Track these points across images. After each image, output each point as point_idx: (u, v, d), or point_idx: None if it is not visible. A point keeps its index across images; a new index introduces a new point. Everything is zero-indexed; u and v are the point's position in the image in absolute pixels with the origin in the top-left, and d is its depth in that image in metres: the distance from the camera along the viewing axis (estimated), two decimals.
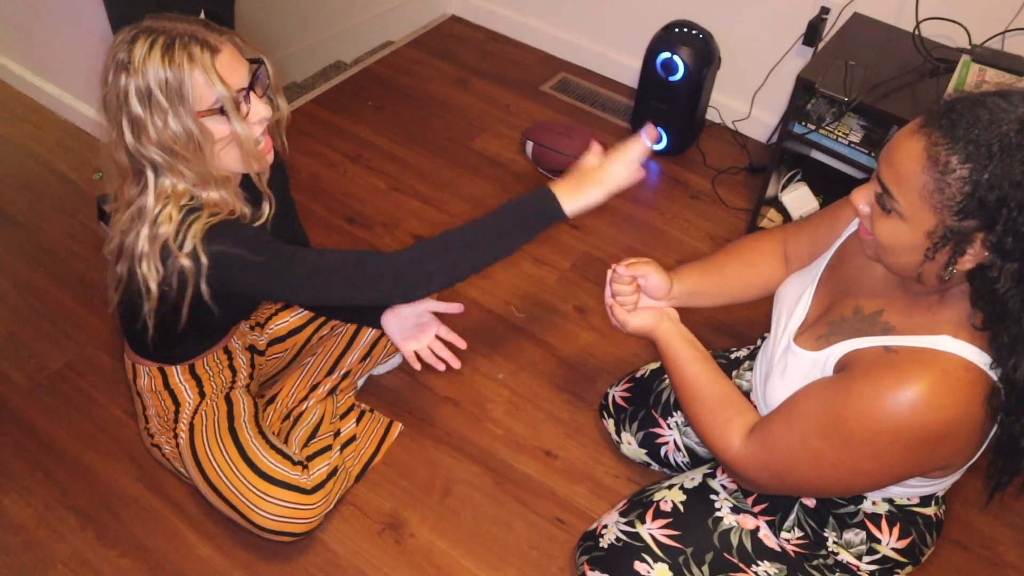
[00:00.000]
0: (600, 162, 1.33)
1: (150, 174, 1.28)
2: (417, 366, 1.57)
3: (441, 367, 1.57)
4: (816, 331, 1.29)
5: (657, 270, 1.48)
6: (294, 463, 1.59)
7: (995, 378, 1.09)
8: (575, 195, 1.31)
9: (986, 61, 2.06)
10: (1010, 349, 1.06)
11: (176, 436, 1.63)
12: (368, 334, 1.81)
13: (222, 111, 1.25)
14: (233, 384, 1.70)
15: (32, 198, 2.38)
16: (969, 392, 1.08)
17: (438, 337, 1.58)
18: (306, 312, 1.82)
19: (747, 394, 1.54)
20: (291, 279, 1.31)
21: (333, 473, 1.65)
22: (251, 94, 1.28)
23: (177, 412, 1.63)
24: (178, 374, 1.61)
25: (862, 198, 1.15)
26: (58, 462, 1.80)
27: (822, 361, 1.24)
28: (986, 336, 1.09)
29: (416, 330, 1.59)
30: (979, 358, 1.09)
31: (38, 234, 2.28)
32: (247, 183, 1.44)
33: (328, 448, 1.69)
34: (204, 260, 1.26)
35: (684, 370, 1.40)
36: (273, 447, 1.60)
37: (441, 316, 1.61)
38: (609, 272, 1.49)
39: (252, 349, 1.77)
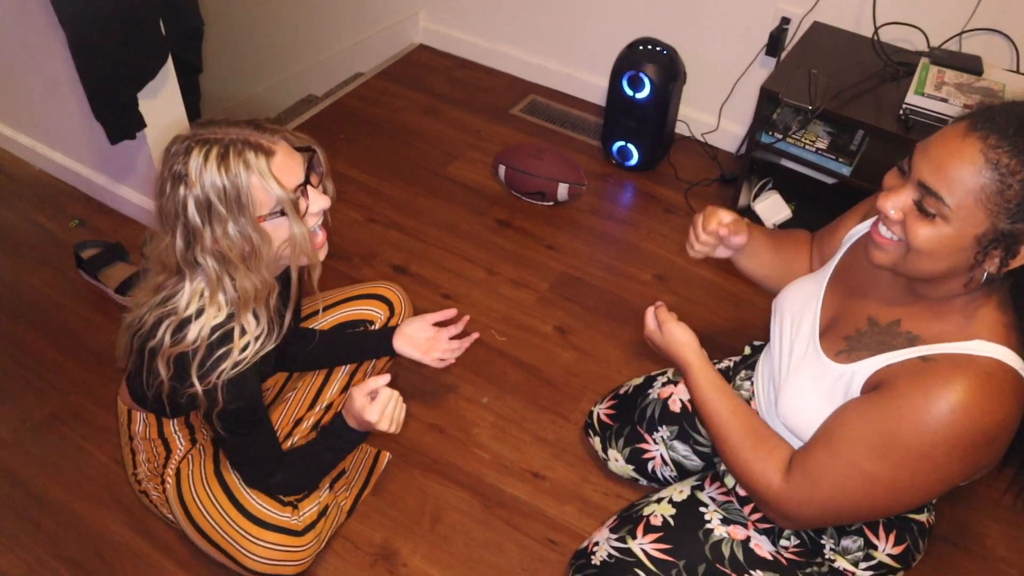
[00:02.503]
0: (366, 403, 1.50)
1: (196, 278, 1.31)
2: (444, 365, 1.80)
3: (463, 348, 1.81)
4: (834, 345, 1.30)
5: (745, 229, 1.50)
6: (284, 504, 1.59)
7: None
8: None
9: (944, 62, 2.10)
10: None
11: (164, 482, 1.63)
12: (345, 366, 1.82)
13: (282, 213, 1.26)
14: None
15: (9, 249, 2.38)
16: (1012, 393, 1.11)
17: (450, 338, 1.80)
18: None
19: (747, 402, 1.54)
20: (230, 445, 1.50)
21: (324, 512, 1.65)
22: (308, 187, 1.30)
23: (167, 459, 1.63)
24: (173, 424, 1.61)
25: (892, 204, 1.13)
26: (46, 512, 1.79)
27: (848, 375, 1.24)
28: (1009, 328, 1.12)
29: (429, 342, 1.78)
30: (1013, 359, 1.11)
31: (17, 285, 2.28)
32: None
33: (317, 501, 1.70)
34: (219, 400, 1.32)
35: (716, 402, 1.37)
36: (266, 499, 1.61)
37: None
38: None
39: None
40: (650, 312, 1.48)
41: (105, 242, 2.27)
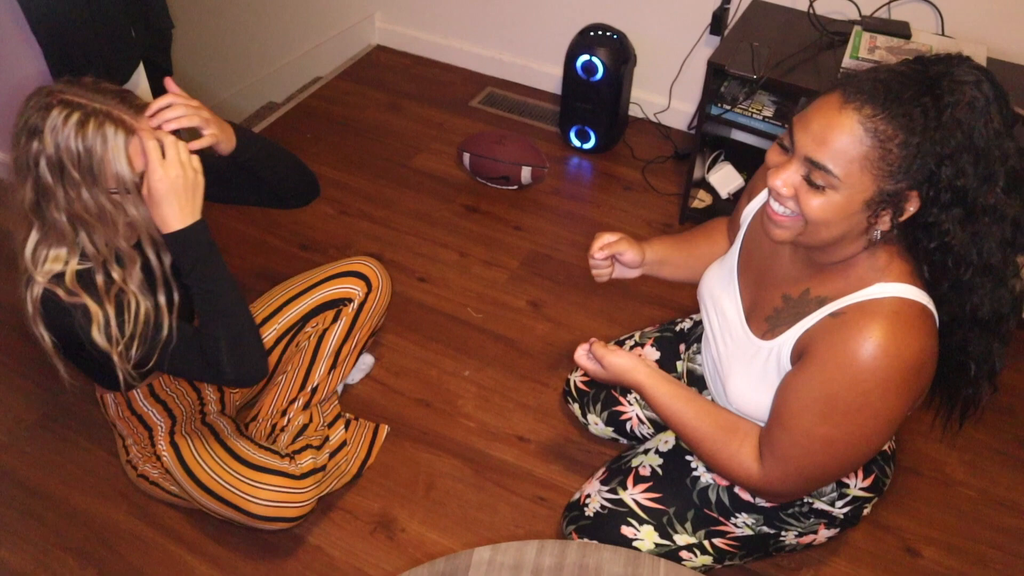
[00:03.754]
0: None
1: (53, 232, 1.32)
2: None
3: None
4: (758, 327, 1.37)
5: (630, 245, 1.58)
6: (282, 456, 1.68)
7: (933, 309, 1.19)
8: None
9: (876, 29, 2.24)
10: (962, 292, 1.16)
11: (159, 458, 1.68)
12: (330, 344, 1.88)
13: (128, 192, 1.30)
14: (203, 408, 1.76)
15: None
16: (921, 321, 1.18)
17: None
18: (272, 335, 1.87)
19: (701, 379, 1.62)
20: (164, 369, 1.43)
21: (320, 469, 1.72)
22: None
23: (151, 435, 1.69)
24: (140, 398, 1.67)
25: (781, 180, 1.17)
26: (49, 507, 1.83)
27: (776, 350, 1.31)
28: (912, 273, 1.19)
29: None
30: (914, 293, 1.18)
31: (1, 295, 2.31)
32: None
33: (313, 447, 1.77)
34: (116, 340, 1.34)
35: (681, 412, 1.39)
36: (259, 445, 1.70)
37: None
38: (582, 350, 1.47)
39: None
40: (582, 357, 1.46)
41: None
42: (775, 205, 1.21)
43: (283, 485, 1.62)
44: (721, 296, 1.47)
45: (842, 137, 1.10)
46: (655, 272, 1.65)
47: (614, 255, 1.59)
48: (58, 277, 1.34)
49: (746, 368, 1.37)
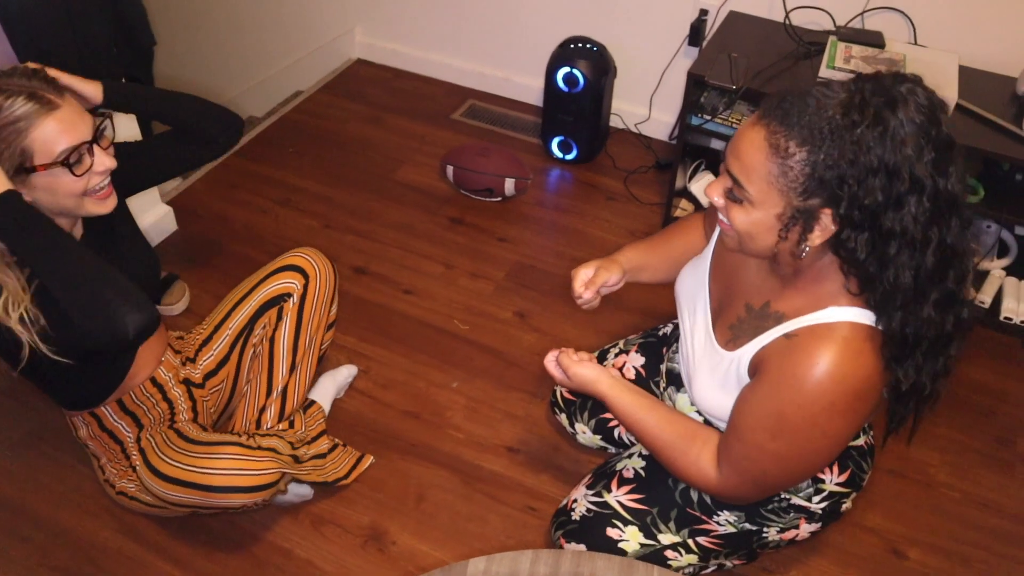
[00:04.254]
0: None
1: None
2: None
3: None
4: (723, 335, 1.41)
5: (608, 269, 1.61)
6: (239, 436, 1.71)
7: (882, 329, 1.21)
8: None
9: (850, 39, 2.28)
10: (884, 307, 1.19)
11: (134, 468, 1.68)
12: (283, 345, 1.85)
13: (56, 165, 1.35)
14: (173, 419, 1.76)
15: None
16: (870, 347, 1.21)
17: None
18: (226, 341, 1.87)
19: (679, 376, 1.63)
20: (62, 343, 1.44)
21: (282, 455, 1.71)
22: (95, 147, 1.40)
23: (124, 448, 1.69)
24: (110, 415, 1.67)
25: (715, 191, 1.25)
26: (34, 526, 1.81)
27: (735, 361, 1.35)
28: (864, 297, 1.21)
29: None
30: (865, 317, 1.22)
31: None
32: None
33: (281, 437, 1.78)
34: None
35: (643, 420, 1.44)
36: (221, 434, 1.72)
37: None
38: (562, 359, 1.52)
39: (188, 383, 1.81)
40: (551, 365, 1.52)
41: None
42: (719, 214, 1.28)
43: (238, 453, 1.59)
44: (694, 298, 1.51)
45: (750, 153, 1.16)
46: (635, 279, 1.68)
47: (599, 288, 1.61)
48: None
49: (710, 371, 1.42)
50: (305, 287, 1.86)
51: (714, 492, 1.41)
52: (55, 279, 1.37)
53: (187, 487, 1.59)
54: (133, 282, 1.43)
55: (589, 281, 1.60)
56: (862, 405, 1.24)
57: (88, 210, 1.45)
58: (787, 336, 1.26)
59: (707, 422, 1.50)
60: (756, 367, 1.31)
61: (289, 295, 1.85)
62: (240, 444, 1.64)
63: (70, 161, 1.36)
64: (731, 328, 1.39)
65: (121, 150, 1.54)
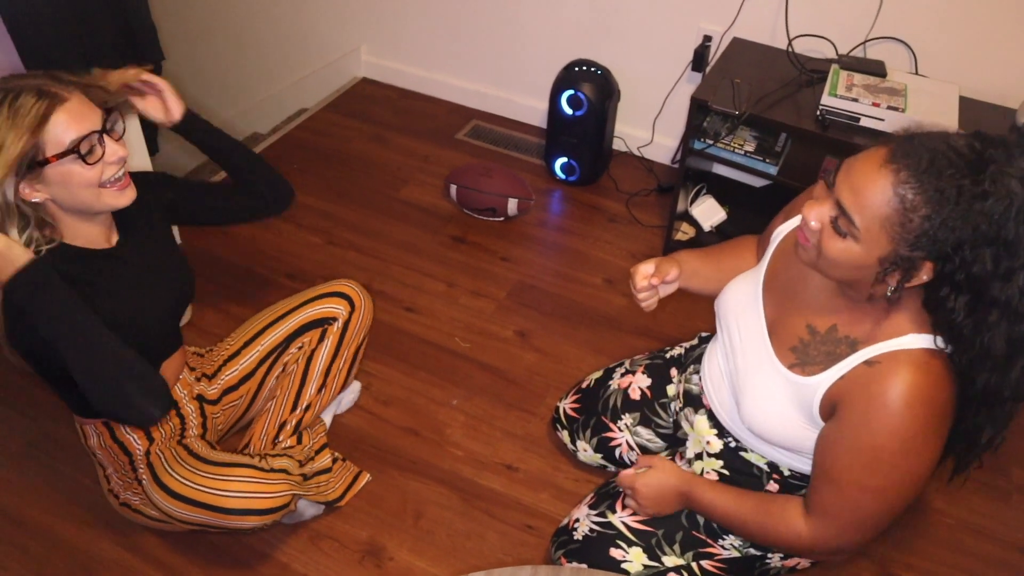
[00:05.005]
0: None
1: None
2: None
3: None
4: (784, 356, 1.39)
5: (669, 264, 1.61)
6: (251, 455, 1.71)
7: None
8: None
9: (852, 67, 2.31)
10: (968, 368, 1.20)
11: (140, 482, 1.68)
12: (319, 365, 1.88)
13: (64, 154, 1.36)
14: (183, 434, 1.76)
15: None
16: (947, 370, 1.22)
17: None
18: (254, 357, 1.89)
19: (698, 398, 1.63)
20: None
21: (292, 474, 1.73)
22: (104, 137, 1.41)
23: (132, 461, 1.69)
24: (123, 426, 1.67)
25: (815, 215, 1.22)
26: (32, 537, 1.81)
27: (807, 388, 1.33)
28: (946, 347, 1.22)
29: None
30: (940, 343, 1.22)
31: None
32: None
33: (291, 457, 1.78)
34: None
35: (723, 502, 1.48)
36: (231, 453, 1.73)
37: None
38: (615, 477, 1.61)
39: (201, 399, 1.82)
40: (630, 492, 1.58)
41: None
42: (805, 231, 1.26)
43: (253, 476, 1.62)
44: (744, 312, 1.49)
45: (873, 194, 1.13)
46: (686, 284, 1.66)
47: (656, 284, 1.60)
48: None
49: (766, 390, 1.40)
50: (350, 315, 1.91)
51: (809, 548, 1.39)
52: (77, 366, 1.40)
53: (199, 507, 1.60)
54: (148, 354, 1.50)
55: (651, 275, 1.59)
56: (948, 421, 1.24)
57: (107, 202, 1.45)
58: (868, 363, 1.26)
59: (727, 445, 1.51)
60: (833, 399, 1.30)
61: (335, 319, 1.90)
62: (253, 467, 1.65)
63: (81, 151, 1.38)
64: (794, 351, 1.37)
65: (189, 185, 1.70)
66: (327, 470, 1.87)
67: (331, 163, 2.98)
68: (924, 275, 1.17)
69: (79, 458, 1.95)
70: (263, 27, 3.50)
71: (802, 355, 1.36)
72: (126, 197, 1.48)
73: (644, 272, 1.59)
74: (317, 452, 1.90)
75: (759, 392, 1.41)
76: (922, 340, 1.23)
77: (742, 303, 1.51)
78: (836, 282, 1.31)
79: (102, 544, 1.80)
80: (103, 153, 1.41)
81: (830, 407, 1.31)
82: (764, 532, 1.43)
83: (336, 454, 1.95)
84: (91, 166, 1.40)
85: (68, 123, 1.36)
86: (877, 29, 2.40)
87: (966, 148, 1.12)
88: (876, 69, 2.30)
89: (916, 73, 2.41)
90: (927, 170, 1.10)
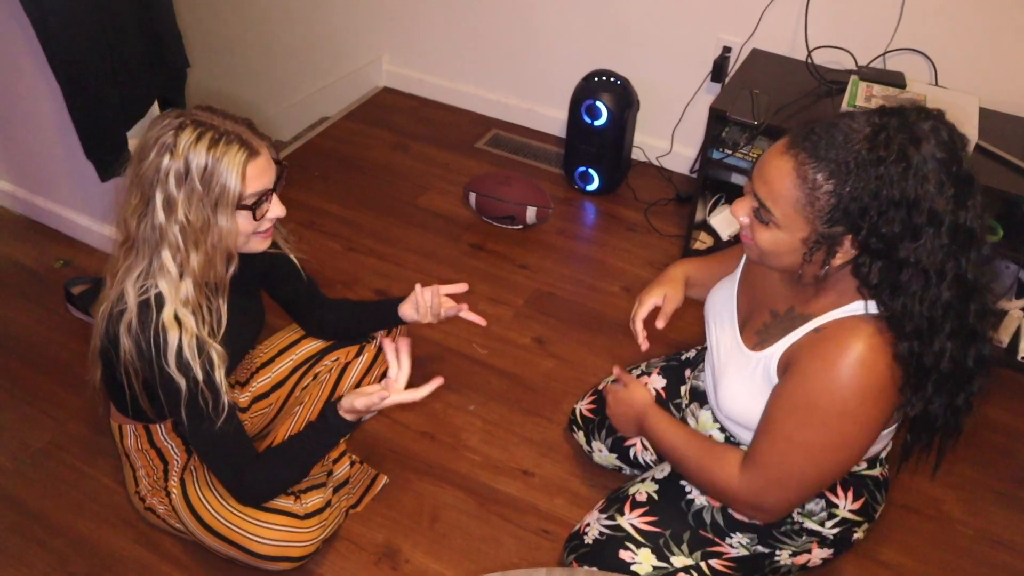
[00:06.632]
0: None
1: (157, 253, 1.41)
2: (437, 319, 1.86)
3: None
4: (750, 339, 1.45)
5: (673, 295, 1.69)
6: (287, 494, 1.67)
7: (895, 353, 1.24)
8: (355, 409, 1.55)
9: (872, 79, 2.32)
10: (896, 331, 1.22)
11: (169, 494, 1.69)
12: (352, 377, 1.92)
13: (243, 206, 1.40)
14: None
15: None
16: (892, 341, 1.23)
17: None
18: (287, 365, 1.91)
19: (703, 394, 1.68)
20: (197, 440, 1.52)
21: (327, 505, 1.73)
22: (273, 195, 1.45)
23: (166, 470, 1.70)
24: (162, 431, 1.69)
25: (742, 210, 1.31)
26: (53, 534, 1.83)
27: (764, 361, 1.39)
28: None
29: (431, 311, 1.84)
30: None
31: (7, 323, 2.33)
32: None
33: (321, 485, 1.77)
34: (175, 379, 1.42)
35: (674, 435, 1.53)
36: None
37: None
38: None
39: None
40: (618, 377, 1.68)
41: (94, 278, 2.34)
42: (742, 229, 1.34)
43: (288, 525, 1.61)
44: (721, 311, 1.56)
45: (778, 180, 1.21)
46: (690, 293, 1.75)
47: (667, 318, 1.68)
48: (157, 297, 1.41)
49: (737, 375, 1.45)
50: (388, 332, 1.96)
51: (736, 497, 1.42)
52: (301, 468, 1.61)
53: (231, 545, 1.62)
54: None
55: (661, 313, 1.67)
56: (889, 394, 1.25)
57: (249, 247, 1.49)
58: (816, 330, 1.30)
59: (728, 440, 1.54)
60: (786, 365, 1.34)
61: (373, 337, 1.95)
62: (290, 514, 1.63)
63: (254, 206, 1.41)
64: (758, 333, 1.43)
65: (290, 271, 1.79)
66: (347, 482, 1.88)
67: (352, 171, 3.01)
68: (848, 248, 1.21)
69: (99, 458, 1.98)
70: (286, 36, 3.55)
71: (763, 335, 1.41)
72: (265, 244, 1.52)
73: (645, 309, 1.68)
74: (335, 460, 1.91)
75: (729, 378, 1.46)
76: (870, 306, 1.25)
77: (720, 303, 1.57)
78: (786, 272, 1.36)
79: (122, 543, 1.82)
80: (267, 210, 1.45)
81: (784, 373, 1.35)
82: (700, 472, 1.48)
83: (354, 456, 1.96)
84: (256, 221, 1.44)
85: (254, 178, 1.39)
86: (897, 40, 2.40)
87: (864, 122, 1.18)
88: (895, 80, 2.31)
89: (936, 84, 2.41)
90: (826, 147, 1.16)
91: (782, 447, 1.33)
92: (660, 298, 1.69)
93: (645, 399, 1.60)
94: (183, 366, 1.41)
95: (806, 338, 1.31)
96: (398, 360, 1.55)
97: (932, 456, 1.37)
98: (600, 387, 1.98)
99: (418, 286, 1.81)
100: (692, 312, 2.37)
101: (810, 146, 1.18)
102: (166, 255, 1.40)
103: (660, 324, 1.65)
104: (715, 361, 1.53)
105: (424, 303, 1.79)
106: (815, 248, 1.23)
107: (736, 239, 2.63)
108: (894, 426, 1.40)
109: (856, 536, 1.56)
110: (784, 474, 1.35)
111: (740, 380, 1.43)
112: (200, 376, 1.42)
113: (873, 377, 1.23)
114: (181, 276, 1.42)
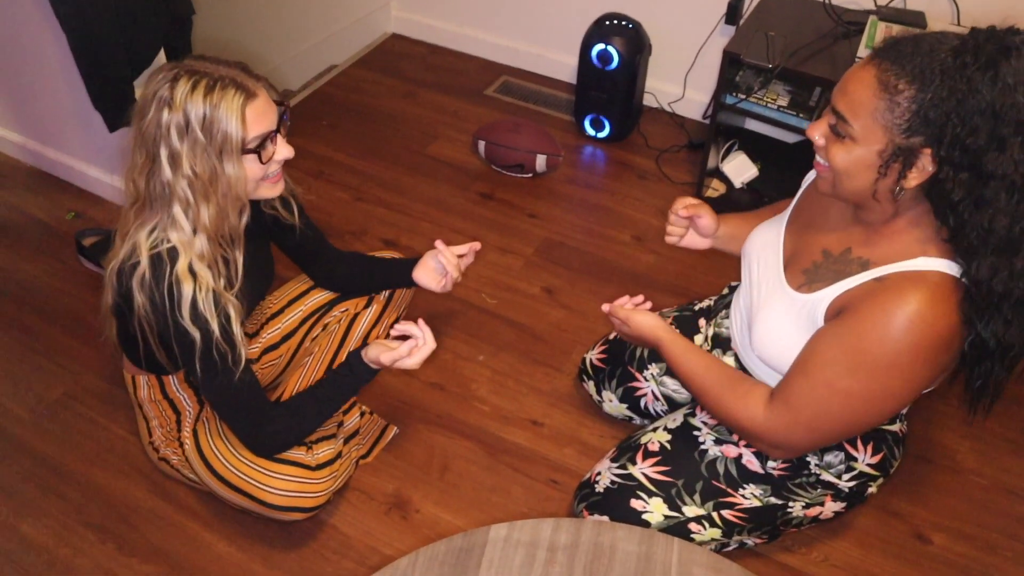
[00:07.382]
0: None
1: (168, 207, 1.39)
2: (449, 287, 1.87)
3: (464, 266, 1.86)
4: (795, 279, 1.41)
5: (709, 212, 1.68)
6: (299, 445, 1.68)
7: (968, 280, 1.21)
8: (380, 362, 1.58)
9: (891, 19, 2.25)
10: (974, 253, 1.18)
11: (181, 444, 1.71)
12: (361, 327, 1.92)
13: (248, 151, 1.37)
14: None
15: (9, 242, 2.45)
16: (956, 299, 1.21)
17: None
18: (297, 316, 1.91)
19: (727, 340, 1.66)
20: (212, 392, 1.51)
21: (338, 456, 1.74)
22: (277, 136, 1.42)
23: (179, 420, 1.71)
24: (174, 382, 1.70)
25: (817, 131, 1.27)
26: (69, 483, 1.86)
27: (811, 304, 1.35)
28: (954, 248, 1.21)
29: (441, 273, 1.86)
30: (954, 269, 1.22)
31: (19, 275, 2.34)
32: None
33: (332, 436, 1.78)
34: (189, 331, 1.40)
35: (694, 362, 1.51)
36: None
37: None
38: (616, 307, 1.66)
39: None
40: (610, 314, 1.65)
41: (106, 229, 2.34)
42: (817, 156, 1.30)
43: (300, 475, 1.63)
44: (765, 249, 1.53)
45: (858, 89, 1.18)
46: (724, 246, 1.74)
47: (693, 216, 1.68)
48: (170, 251, 1.40)
49: (776, 314, 1.42)
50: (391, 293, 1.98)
51: (757, 433, 1.41)
52: (318, 416, 1.61)
53: (242, 495, 1.63)
54: None
55: (691, 204, 1.67)
56: (944, 353, 1.24)
57: (260, 194, 1.47)
58: (877, 280, 1.27)
59: None
60: (838, 310, 1.30)
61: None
62: (302, 465, 1.64)
63: (258, 149, 1.39)
64: (805, 272, 1.39)
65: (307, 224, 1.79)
66: (357, 432, 1.89)
67: (361, 119, 2.98)
68: (926, 165, 1.18)
69: (113, 409, 2.00)
70: None
71: (811, 275, 1.38)
72: (277, 189, 1.50)
73: (686, 201, 1.69)
74: (346, 411, 1.92)
75: (768, 318, 1.43)
76: (935, 263, 1.23)
77: (764, 242, 1.54)
78: (853, 205, 1.33)
79: (137, 493, 1.85)
80: (273, 152, 1.42)
81: (835, 317, 1.32)
82: (719, 403, 1.46)
83: (364, 407, 1.97)
84: (263, 165, 1.41)
85: (255, 120, 1.36)
86: None
87: (954, 36, 1.15)
88: (916, 20, 2.24)
89: (958, 24, 2.33)
90: (911, 56, 1.14)
91: (821, 392, 1.31)
92: (697, 200, 1.70)
93: (653, 325, 1.58)
94: (198, 319, 1.40)
95: (866, 286, 1.28)
96: (423, 335, 1.59)
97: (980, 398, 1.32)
98: (611, 336, 1.97)
99: (439, 243, 1.82)
100: (705, 264, 2.38)
101: (894, 55, 1.16)
102: (177, 210, 1.39)
103: (678, 206, 1.69)
104: (753, 298, 1.50)
105: (451, 261, 1.80)
106: (891, 161, 1.19)
107: (748, 186, 2.59)
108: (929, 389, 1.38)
109: (870, 491, 1.56)
110: (816, 418, 1.34)
111: (779, 319, 1.41)
112: (216, 330, 1.42)
113: (931, 334, 1.21)
114: (195, 232, 1.41)
